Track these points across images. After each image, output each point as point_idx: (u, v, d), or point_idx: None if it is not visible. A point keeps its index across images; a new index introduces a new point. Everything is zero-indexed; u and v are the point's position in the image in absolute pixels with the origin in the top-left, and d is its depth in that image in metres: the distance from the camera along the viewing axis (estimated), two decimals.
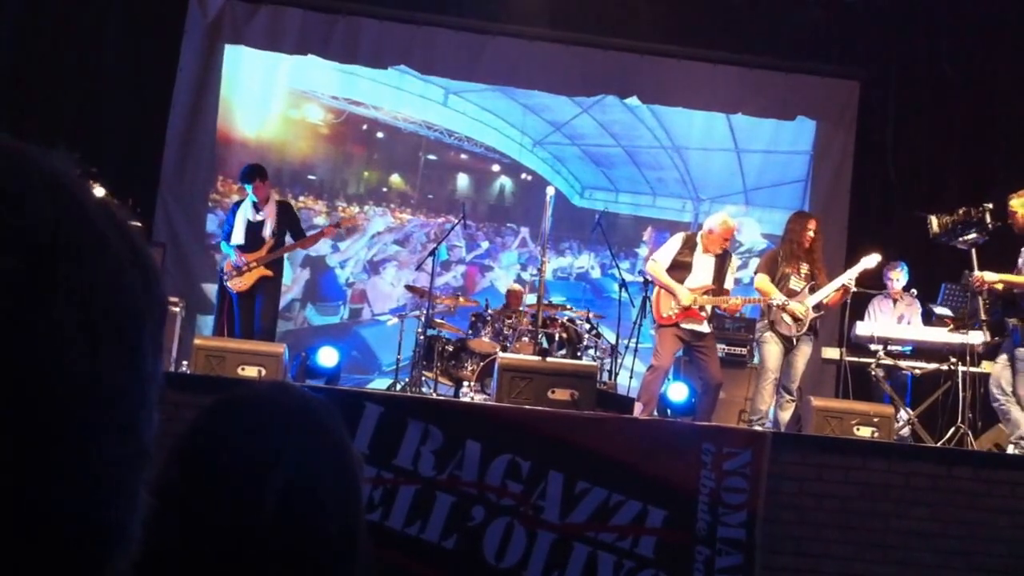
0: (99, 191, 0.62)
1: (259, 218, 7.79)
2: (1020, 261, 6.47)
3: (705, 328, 7.33)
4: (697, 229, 7.77)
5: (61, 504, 0.54)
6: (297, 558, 0.94)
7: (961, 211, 6.69)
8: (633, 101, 10.53)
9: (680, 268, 7.33)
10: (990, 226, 6.54)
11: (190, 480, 0.96)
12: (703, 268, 7.31)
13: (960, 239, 6.69)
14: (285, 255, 8.03)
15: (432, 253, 8.40)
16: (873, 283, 8.08)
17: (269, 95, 10.38)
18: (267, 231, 7.77)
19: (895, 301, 8.18)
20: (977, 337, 7.10)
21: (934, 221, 6.74)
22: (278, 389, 1.09)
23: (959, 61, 9.80)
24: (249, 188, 7.73)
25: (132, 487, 0.58)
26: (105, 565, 0.57)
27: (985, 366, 7.34)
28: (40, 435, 0.53)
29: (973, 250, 6.64)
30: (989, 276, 6.51)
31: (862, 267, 7.36)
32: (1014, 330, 6.52)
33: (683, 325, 7.25)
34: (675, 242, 7.51)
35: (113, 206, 0.60)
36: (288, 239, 7.88)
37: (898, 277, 8.12)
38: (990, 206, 6.60)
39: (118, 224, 0.59)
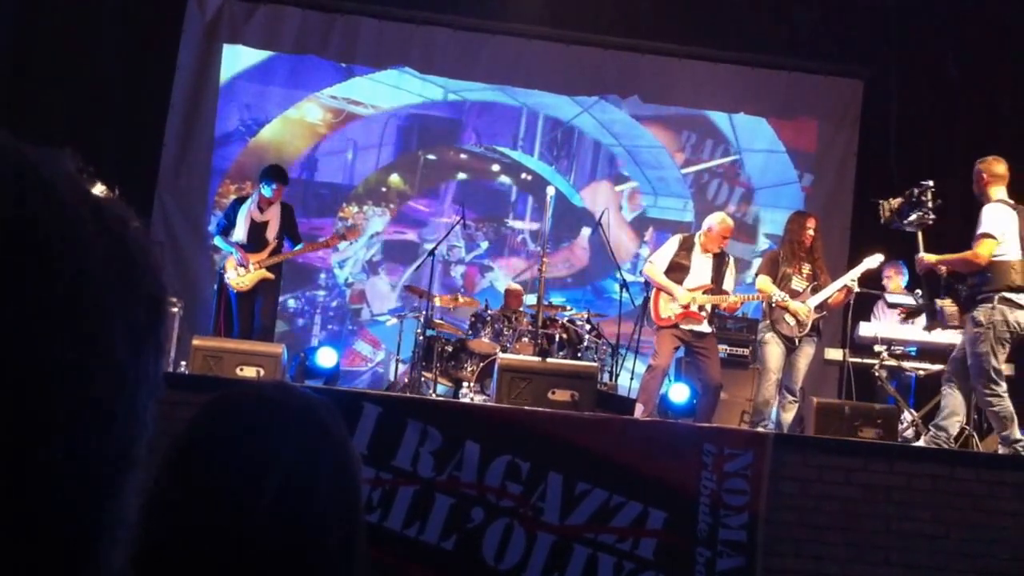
0: (98, 188, 0.62)
1: (264, 219, 7.76)
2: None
3: (705, 328, 7.35)
4: (695, 230, 7.75)
5: (38, 502, 0.54)
6: (296, 558, 0.93)
7: (906, 192, 6.57)
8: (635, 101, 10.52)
9: (678, 270, 7.35)
10: (931, 205, 6.36)
11: (188, 478, 0.95)
12: (701, 268, 7.34)
13: (905, 221, 6.59)
14: None
15: (431, 253, 8.36)
16: (877, 284, 8.04)
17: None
18: (271, 233, 7.75)
19: None
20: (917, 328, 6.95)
21: (884, 206, 6.63)
22: (278, 388, 1.08)
23: (964, 59, 9.74)
24: (270, 188, 7.69)
25: (114, 486, 0.58)
26: (86, 565, 0.57)
27: None
28: (15, 433, 0.53)
29: (919, 233, 6.49)
30: (929, 258, 6.37)
31: (865, 267, 7.33)
32: (939, 312, 6.39)
33: (683, 326, 7.26)
34: (672, 244, 7.55)
35: (103, 202, 0.60)
36: (287, 245, 7.85)
37: (892, 276, 8.08)
38: (930, 183, 6.44)
39: (103, 219, 0.59)
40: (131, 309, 0.59)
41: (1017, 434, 6.06)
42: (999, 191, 6.10)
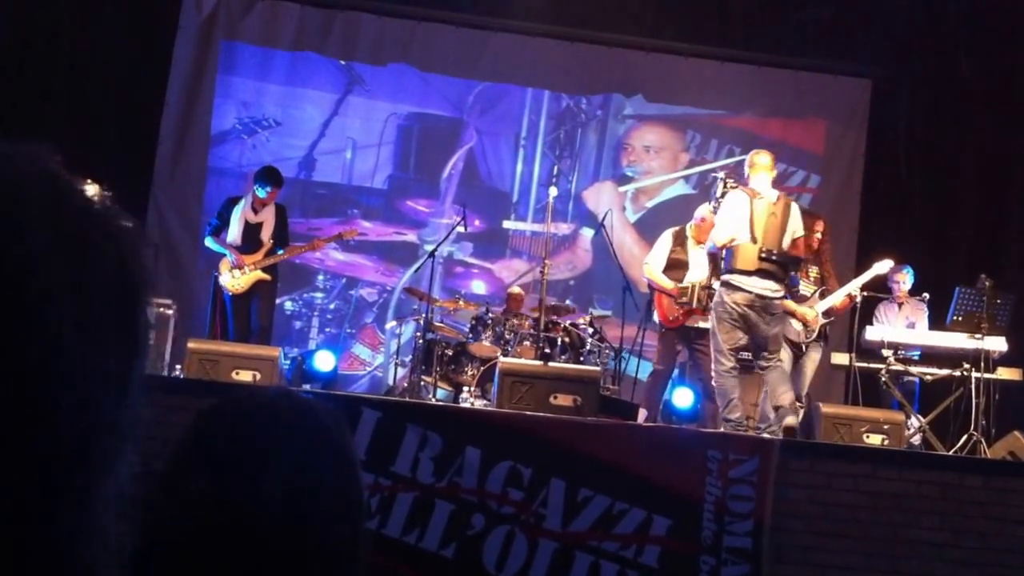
0: (89, 187, 0.63)
1: (258, 220, 7.66)
2: None
3: (707, 325, 7.30)
4: (685, 223, 7.68)
5: None
6: (297, 559, 0.95)
7: None
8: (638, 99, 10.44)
9: (677, 266, 7.34)
10: (719, 194, 6.68)
11: (190, 481, 0.96)
12: (699, 262, 7.30)
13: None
14: None
15: (431, 255, 8.25)
16: (882, 287, 7.95)
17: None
18: (265, 234, 7.65)
19: (900, 305, 8.05)
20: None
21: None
22: (280, 393, 1.09)
23: (975, 58, 9.66)
24: (264, 191, 7.59)
25: (68, 486, 0.57)
26: (50, 567, 0.57)
27: (1001, 372, 7.24)
28: None
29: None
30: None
31: (874, 273, 7.24)
32: None
33: (689, 324, 7.24)
34: (666, 240, 7.53)
35: (62, 189, 0.60)
36: (278, 250, 7.75)
37: (904, 280, 7.98)
38: (722, 175, 6.91)
39: (58, 204, 0.59)
40: (88, 298, 0.58)
41: (733, 415, 6.34)
42: (756, 179, 6.49)
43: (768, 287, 6.31)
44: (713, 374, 6.45)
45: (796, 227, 6.49)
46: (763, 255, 6.27)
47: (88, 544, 0.59)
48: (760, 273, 6.29)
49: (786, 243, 6.41)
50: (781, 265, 6.37)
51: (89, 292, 0.58)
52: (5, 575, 0.54)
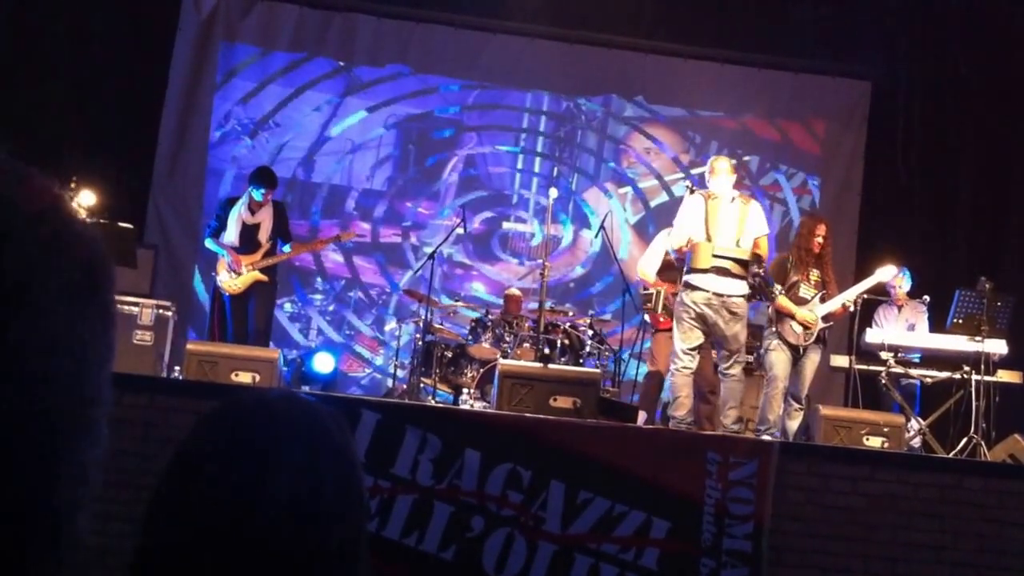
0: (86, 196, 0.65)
1: (255, 221, 7.63)
2: None
3: None
4: None
5: None
6: (299, 562, 0.94)
7: None
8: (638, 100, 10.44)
9: (672, 268, 7.32)
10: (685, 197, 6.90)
11: (192, 482, 0.96)
12: None
13: None
14: None
15: (431, 256, 8.24)
16: (880, 289, 7.95)
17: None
18: (263, 235, 7.62)
19: (900, 308, 8.05)
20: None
21: None
22: (280, 394, 1.08)
23: (974, 59, 9.65)
24: (259, 192, 7.56)
25: (65, 443, 0.60)
26: (37, 525, 0.59)
27: (1001, 375, 7.23)
28: None
29: None
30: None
31: (876, 280, 7.20)
32: None
33: None
34: (660, 241, 7.51)
35: (29, 179, 0.63)
36: (280, 247, 7.72)
37: (900, 284, 7.97)
38: (688, 183, 7.21)
39: (29, 192, 0.62)
40: (65, 273, 0.61)
41: (677, 412, 6.49)
42: (715, 182, 6.67)
43: (724, 285, 6.44)
44: (671, 369, 6.57)
45: (758, 226, 6.63)
46: (717, 253, 6.41)
47: (84, 514, 0.61)
48: (715, 271, 6.44)
49: (746, 242, 6.54)
50: (740, 263, 6.50)
51: (64, 268, 0.62)
52: (9, 544, 0.56)
